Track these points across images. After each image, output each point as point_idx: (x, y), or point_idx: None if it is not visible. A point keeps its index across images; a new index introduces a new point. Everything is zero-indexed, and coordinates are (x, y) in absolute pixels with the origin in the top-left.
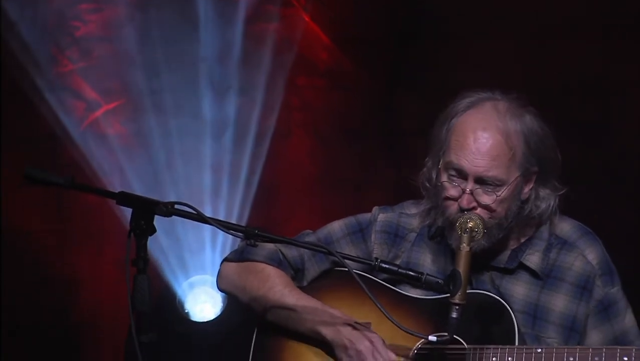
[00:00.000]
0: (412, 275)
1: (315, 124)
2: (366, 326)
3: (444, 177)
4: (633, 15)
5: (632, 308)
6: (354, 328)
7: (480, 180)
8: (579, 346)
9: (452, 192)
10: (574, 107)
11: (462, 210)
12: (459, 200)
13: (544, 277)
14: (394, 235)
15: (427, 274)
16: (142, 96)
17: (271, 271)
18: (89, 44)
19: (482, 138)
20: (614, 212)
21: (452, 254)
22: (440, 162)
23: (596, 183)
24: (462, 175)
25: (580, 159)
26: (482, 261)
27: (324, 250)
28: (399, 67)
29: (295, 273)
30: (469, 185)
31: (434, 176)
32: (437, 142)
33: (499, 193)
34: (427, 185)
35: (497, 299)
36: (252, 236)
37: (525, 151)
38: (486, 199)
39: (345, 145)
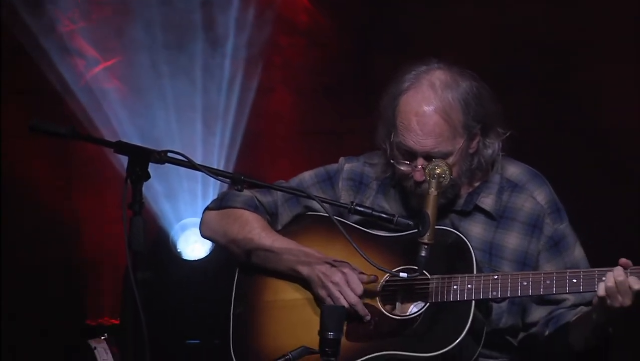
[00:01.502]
0: (384, 217)
1: (296, 80)
2: (339, 260)
3: (396, 154)
4: None
5: None
6: (328, 263)
7: (428, 156)
8: (531, 272)
9: (405, 168)
10: (533, 64)
11: (416, 183)
12: (412, 175)
13: (498, 218)
14: (359, 182)
15: (399, 216)
16: (139, 54)
17: (249, 216)
18: (89, 5)
19: (423, 119)
20: (570, 161)
21: (409, 201)
22: (392, 137)
23: (553, 134)
24: (412, 153)
25: (540, 113)
26: (441, 205)
27: (303, 194)
28: (372, 26)
29: (270, 217)
30: (419, 162)
31: (387, 146)
32: (386, 115)
33: (448, 161)
34: (383, 145)
35: (457, 234)
36: (238, 181)
37: (465, 119)
38: None
39: (323, 99)
